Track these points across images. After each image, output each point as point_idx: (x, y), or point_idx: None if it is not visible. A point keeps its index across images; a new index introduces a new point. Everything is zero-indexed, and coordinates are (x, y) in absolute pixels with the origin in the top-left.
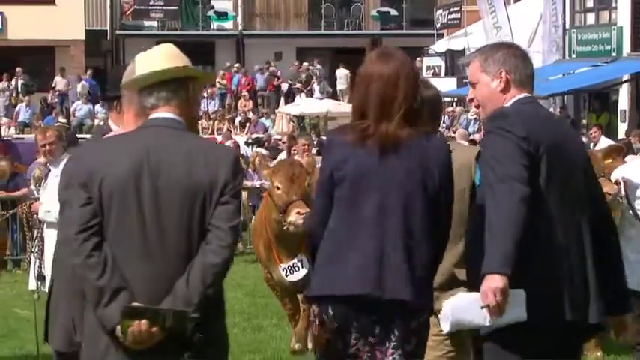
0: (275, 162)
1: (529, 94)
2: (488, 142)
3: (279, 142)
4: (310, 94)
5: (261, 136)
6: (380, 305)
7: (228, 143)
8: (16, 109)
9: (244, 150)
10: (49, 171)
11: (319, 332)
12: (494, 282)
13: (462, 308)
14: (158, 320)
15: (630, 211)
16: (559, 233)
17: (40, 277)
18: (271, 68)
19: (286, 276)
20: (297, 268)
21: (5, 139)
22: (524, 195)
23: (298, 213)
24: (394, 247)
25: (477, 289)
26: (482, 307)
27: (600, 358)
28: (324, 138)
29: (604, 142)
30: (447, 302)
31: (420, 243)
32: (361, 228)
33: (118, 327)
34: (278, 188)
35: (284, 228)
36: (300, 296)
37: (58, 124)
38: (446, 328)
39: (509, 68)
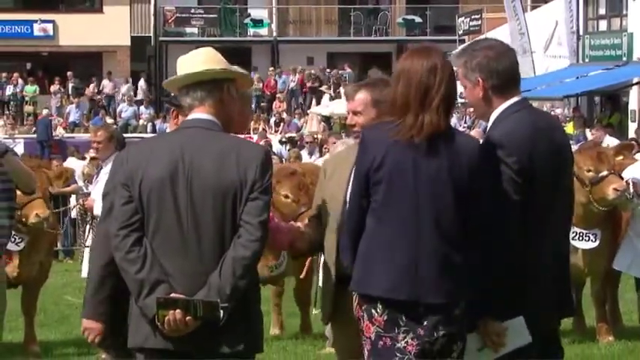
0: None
1: (514, 100)
2: (485, 166)
3: (309, 141)
4: (339, 96)
5: (293, 135)
6: (421, 304)
7: (262, 142)
8: (67, 109)
9: (278, 148)
10: (101, 168)
11: (367, 326)
12: (491, 327)
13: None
14: (190, 310)
15: None
16: (544, 243)
17: None
18: (307, 72)
19: (272, 272)
20: (280, 265)
21: (55, 137)
22: (510, 240)
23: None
24: (428, 249)
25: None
26: (479, 350)
27: (611, 343)
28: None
29: (608, 141)
30: None
31: (453, 240)
32: (395, 232)
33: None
34: (287, 197)
35: None
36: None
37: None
38: None
39: (485, 75)
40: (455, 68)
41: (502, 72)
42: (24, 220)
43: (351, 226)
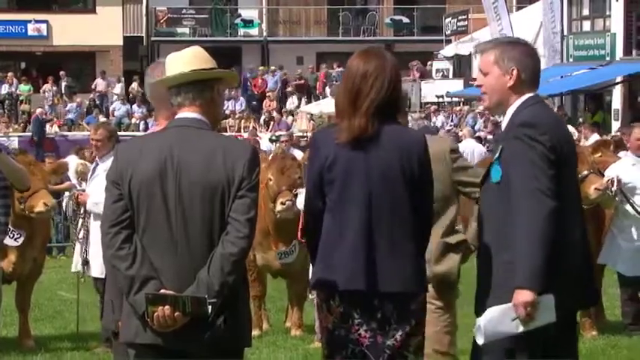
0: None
1: (532, 94)
2: (517, 149)
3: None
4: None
5: (283, 133)
6: (377, 295)
7: (252, 141)
8: (67, 108)
9: (268, 146)
10: (97, 165)
11: (325, 317)
12: (524, 297)
13: (494, 321)
14: (179, 305)
15: (627, 206)
16: (573, 226)
17: (85, 262)
18: (298, 71)
19: (280, 259)
20: (291, 253)
21: (49, 136)
22: (552, 209)
23: (282, 203)
24: (381, 242)
25: (488, 277)
26: (513, 320)
27: (595, 337)
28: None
29: (594, 140)
30: (480, 318)
31: (405, 232)
32: (350, 226)
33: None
34: (270, 180)
35: (277, 216)
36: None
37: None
38: (480, 340)
39: (521, 67)
40: (482, 53)
41: (533, 69)
42: (28, 212)
43: (308, 225)
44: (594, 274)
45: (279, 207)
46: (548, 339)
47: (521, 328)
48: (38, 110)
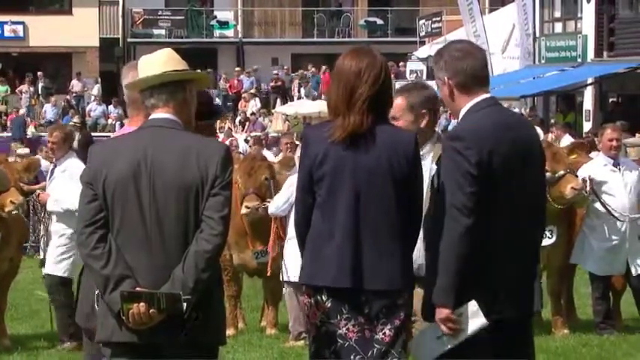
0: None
1: (482, 97)
2: (444, 161)
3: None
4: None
5: (259, 134)
6: (364, 292)
7: (227, 141)
8: (44, 108)
9: (243, 147)
10: (55, 166)
11: (313, 313)
12: (440, 314)
13: (425, 339)
14: (154, 302)
15: (597, 205)
16: (508, 238)
17: (42, 262)
18: (274, 72)
19: (256, 259)
20: (267, 252)
21: (28, 137)
22: (465, 227)
23: (246, 207)
24: (368, 239)
25: (434, 274)
26: (439, 337)
27: (567, 336)
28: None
29: (567, 140)
30: (412, 340)
31: (393, 230)
32: (338, 223)
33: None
34: (236, 182)
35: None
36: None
37: (72, 123)
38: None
39: (450, 74)
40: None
41: (466, 71)
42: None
43: (298, 221)
44: (536, 281)
45: (243, 210)
46: (501, 342)
47: (452, 342)
48: (22, 111)
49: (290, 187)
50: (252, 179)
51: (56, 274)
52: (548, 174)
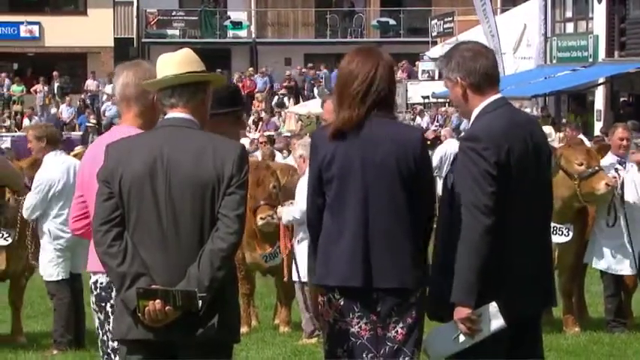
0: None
1: (494, 97)
2: (462, 161)
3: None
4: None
5: (272, 133)
6: (375, 290)
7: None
8: (59, 109)
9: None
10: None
11: (326, 311)
12: (460, 313)
13: (440, 342)
14: (170, 300)
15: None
16: (524, 236)
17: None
18: (287, 72)
19: (266, 262)
20: (276, 255)
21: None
22: (486, 226)
23: (262, 218)
24: (378, 238)
25: (441, 273)
26: (456, 336)
27: (578, 334)
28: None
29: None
30: (426, 337)
31: (403, 229)
32: (347, 223)
33: None
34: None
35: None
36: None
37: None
38: (431, 356)
39: (462, 74)
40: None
41: (479, 71)
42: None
43: (309, 222)
44: (551, 278)
45: (259, 222)
46: (513, 339)
47: (469, 342)
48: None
49: (301, 194)
50: (260, 189)
51: (53, 279)
52: (582, 167)
